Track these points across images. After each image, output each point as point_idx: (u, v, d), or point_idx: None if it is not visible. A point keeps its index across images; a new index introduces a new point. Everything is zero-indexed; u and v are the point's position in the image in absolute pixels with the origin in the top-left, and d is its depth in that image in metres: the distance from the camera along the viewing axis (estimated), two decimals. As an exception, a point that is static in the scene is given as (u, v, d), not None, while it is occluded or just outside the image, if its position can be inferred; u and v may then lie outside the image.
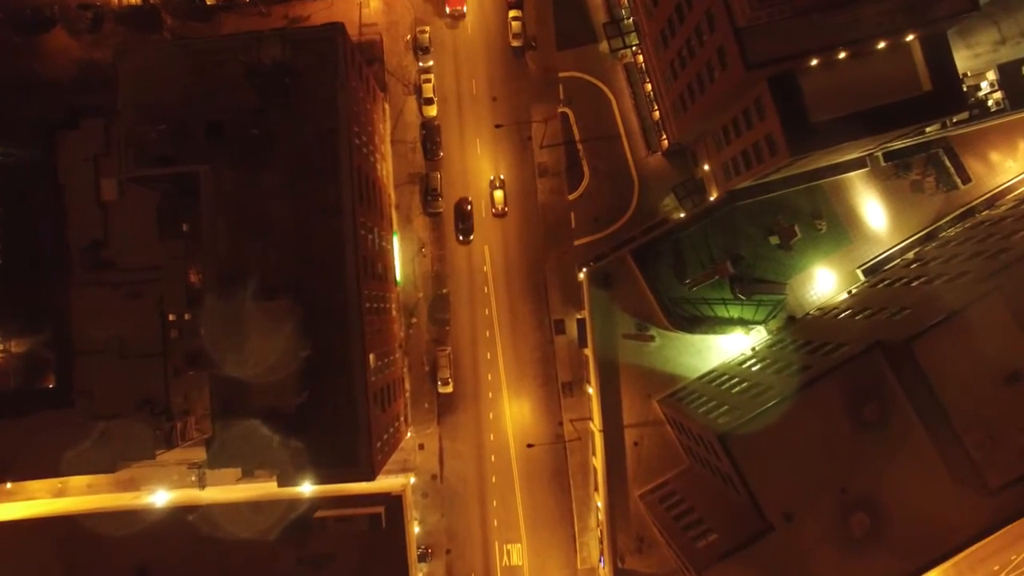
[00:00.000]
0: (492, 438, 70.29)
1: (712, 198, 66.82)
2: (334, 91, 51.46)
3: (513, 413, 70.23)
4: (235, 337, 48.52)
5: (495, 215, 71.14)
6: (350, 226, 50.84)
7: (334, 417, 50.51)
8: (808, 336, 55.76)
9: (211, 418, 50.26)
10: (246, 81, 51.29)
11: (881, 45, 48.23)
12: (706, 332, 62.47)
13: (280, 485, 50.84)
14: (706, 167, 68.14)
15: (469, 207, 70.24)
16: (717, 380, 58.63)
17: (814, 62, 48.11)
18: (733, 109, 55.73)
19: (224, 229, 51.32)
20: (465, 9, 71.51)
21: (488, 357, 70.54)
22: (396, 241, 69.52)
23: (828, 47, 47.02)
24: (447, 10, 71.33)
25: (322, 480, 52.08)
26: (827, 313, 60.45)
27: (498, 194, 70.63)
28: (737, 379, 55.82)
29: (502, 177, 71.31)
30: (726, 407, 51.04)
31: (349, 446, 50.63)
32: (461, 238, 70.31)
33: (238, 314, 48.71)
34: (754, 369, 56.25)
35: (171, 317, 61.14)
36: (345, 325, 50.63)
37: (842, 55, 48.17)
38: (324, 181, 51.37)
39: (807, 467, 46.66)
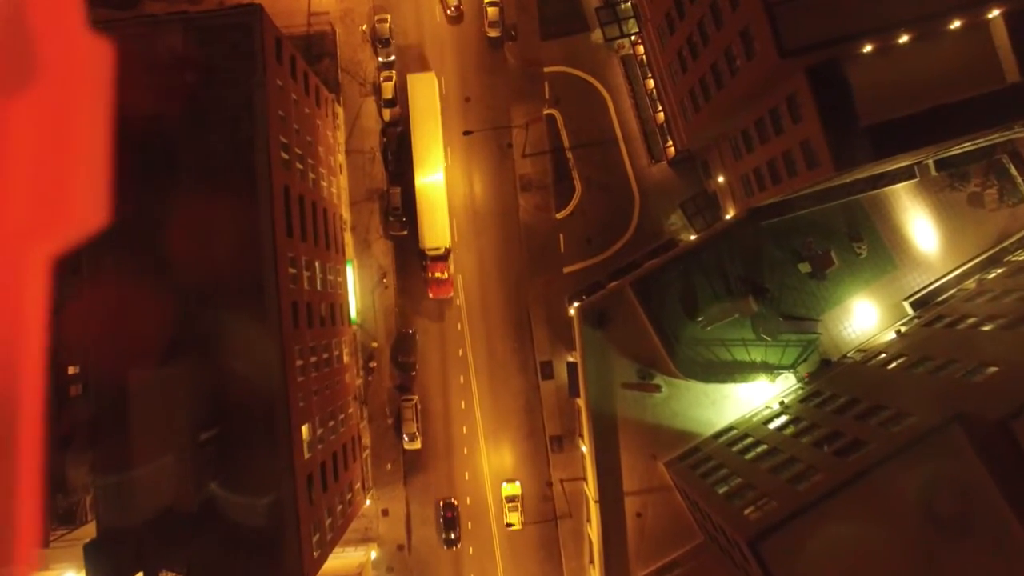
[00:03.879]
0: (468, 501, 59.25)
1: (728, 216, 55.85)
2: (250, 92, 40.36)
3: (493, 471, 59.18)
4: (118, 415, 37.41)
5: (449, 18, 61.10)
6: (271, 265, 39.72)
7: (254, 508, 39.35)
8: (853, 391, 44.62)
9: (95, 517, 39.13)
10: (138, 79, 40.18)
11: (955, 24, 37.18)
12: (723, 380, 51.44)
13: (185, 597, 39.65)
14: (720, 179, 57.00)
15: (454, 513, 58.06)
16: (738, 443, 47.59)
17: (867, 48, 37.09)
18: (758, 109, 44.64)
19: (111, 269, 40.22)
20: (452, 295, 59.25)
21: (462, 407, 59.40)
22: (351, 271, 58.29)
23: (886, 28, 35.98)
24: (430, 295, 58.81)
25: (239, 590, 40.90)
26: (871, 357, 49.33)
27: None
28: (764, 446, 44.86)
29: None
30: (753, 492, 39.98)
31: (275, 545, 39.49)
32: (447, 548, 58.42)
33: (122, 384, 37.61)
34: (785, 432, 45.23)
35: (72, 370, 50.63)
36: (266, 393, 39.48)
37: (904, 38, 37.16)
38: (239, 207, 40.25)
39: (864, 576, 35.83)
